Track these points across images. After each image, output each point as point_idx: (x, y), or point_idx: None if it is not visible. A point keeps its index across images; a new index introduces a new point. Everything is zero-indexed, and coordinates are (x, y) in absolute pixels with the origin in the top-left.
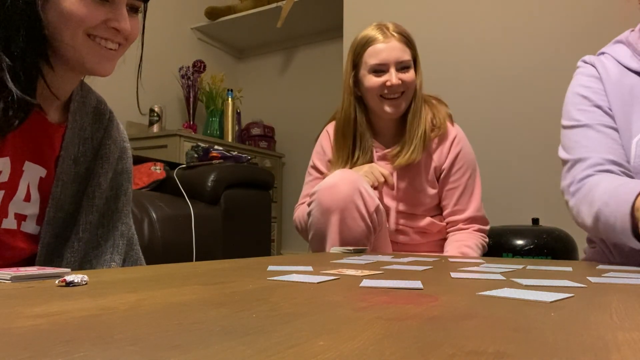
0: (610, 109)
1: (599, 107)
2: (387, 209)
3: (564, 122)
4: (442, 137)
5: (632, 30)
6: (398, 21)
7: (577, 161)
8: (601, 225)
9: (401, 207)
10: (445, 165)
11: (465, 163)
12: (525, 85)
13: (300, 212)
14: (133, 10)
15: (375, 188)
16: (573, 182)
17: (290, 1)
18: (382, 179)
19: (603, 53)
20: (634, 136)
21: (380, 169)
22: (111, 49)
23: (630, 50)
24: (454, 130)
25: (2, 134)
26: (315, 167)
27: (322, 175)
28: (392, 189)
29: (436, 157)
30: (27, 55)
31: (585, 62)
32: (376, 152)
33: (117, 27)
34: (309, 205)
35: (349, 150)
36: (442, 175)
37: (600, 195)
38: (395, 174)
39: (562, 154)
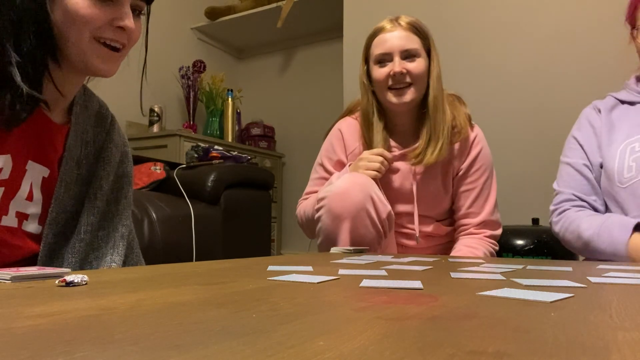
0: (595, 144)
1: (581, 146)
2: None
3: (561, 157)
4: (463, 139)
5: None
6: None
7: (557, 193)
8: (590, 250)
9: (410, 209)
10: (464, 166)
11: (484, 164)
12: (527, 85)
13: (302, 207)
14: (135, 12)
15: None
16: (555, 211)
17: (290, 1)
18: (385, 162)
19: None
20: (616, 146)
21: (373, 151)
22: (115, 49)
23: (626, 90)
24: (473, 132)
25: (8, 127)
26: (322, 166)
27: (330, 175)
28: (391, 162)
29: (455, 159)
30: (35, 52)
31: (591, 107)
32: (393, 152)
33: (122, 25)
34: (317, 210)
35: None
36: (458, 175)
37: (585, 229)
38: (412, 176)
39: (554, 183)
